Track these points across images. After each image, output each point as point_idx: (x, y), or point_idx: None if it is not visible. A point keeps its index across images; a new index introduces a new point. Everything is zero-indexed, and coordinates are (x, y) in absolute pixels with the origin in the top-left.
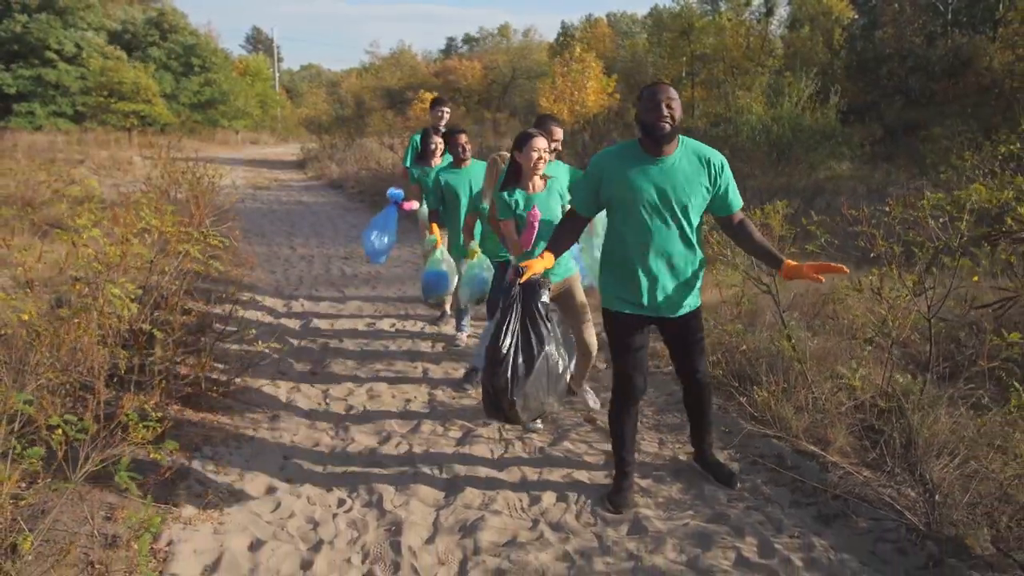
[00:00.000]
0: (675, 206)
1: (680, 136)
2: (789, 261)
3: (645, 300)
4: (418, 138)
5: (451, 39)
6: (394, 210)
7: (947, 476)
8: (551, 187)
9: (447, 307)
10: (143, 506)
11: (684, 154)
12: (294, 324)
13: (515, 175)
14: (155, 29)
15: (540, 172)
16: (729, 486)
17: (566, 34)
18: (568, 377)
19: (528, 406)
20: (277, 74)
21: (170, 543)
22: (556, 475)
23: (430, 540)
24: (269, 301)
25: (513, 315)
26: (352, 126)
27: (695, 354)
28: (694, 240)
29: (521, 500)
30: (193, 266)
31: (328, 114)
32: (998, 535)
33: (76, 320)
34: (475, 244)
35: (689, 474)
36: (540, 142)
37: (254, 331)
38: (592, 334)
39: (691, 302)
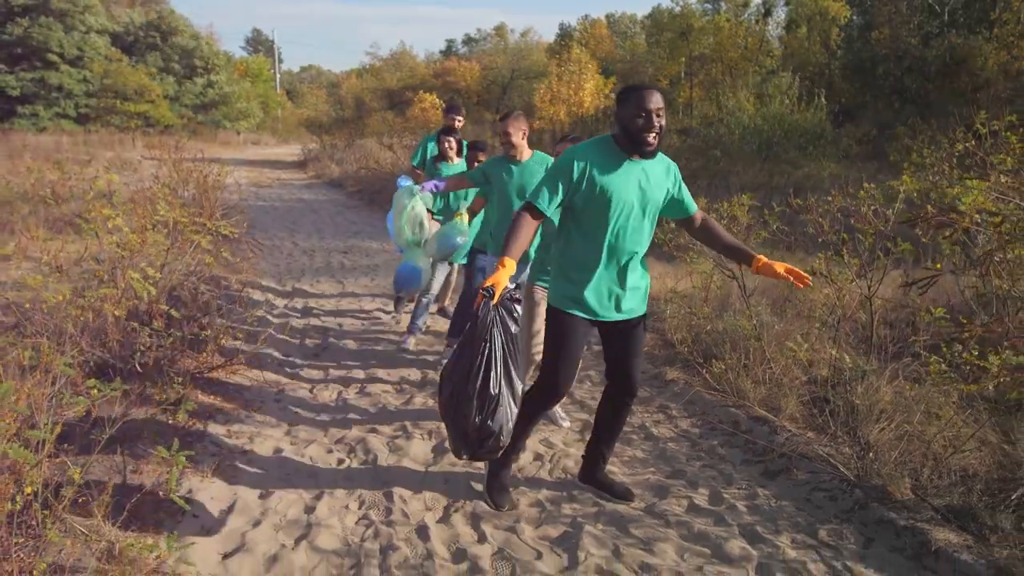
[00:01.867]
0: (648, 207)
1: None
2: (761, 257)
3: (600, 302)
4: (432, 141)
5: (451, 41)
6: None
7: (882, 437)
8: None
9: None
10: (168, 452)
11: (658, 158)
12: (297, 311)
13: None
14: (155, 32)
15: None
16: (628, 500)
17: (564, 35)
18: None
19: (501, 447)
20: (278, 75)
21: (190, 491)
22: (533, 439)
23: (418, 491)
24: (273, 290)
25: (495, 345)
26: (352, 127)
27: (632, 360)
28: (644, 247)
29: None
30: (203, 257)
31: (328, 115)
32: (918, 484)
33: (101, 299)
34: (463, 208)
35: (654, 438)
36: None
37: (262, 311)
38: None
39: (641, 307)
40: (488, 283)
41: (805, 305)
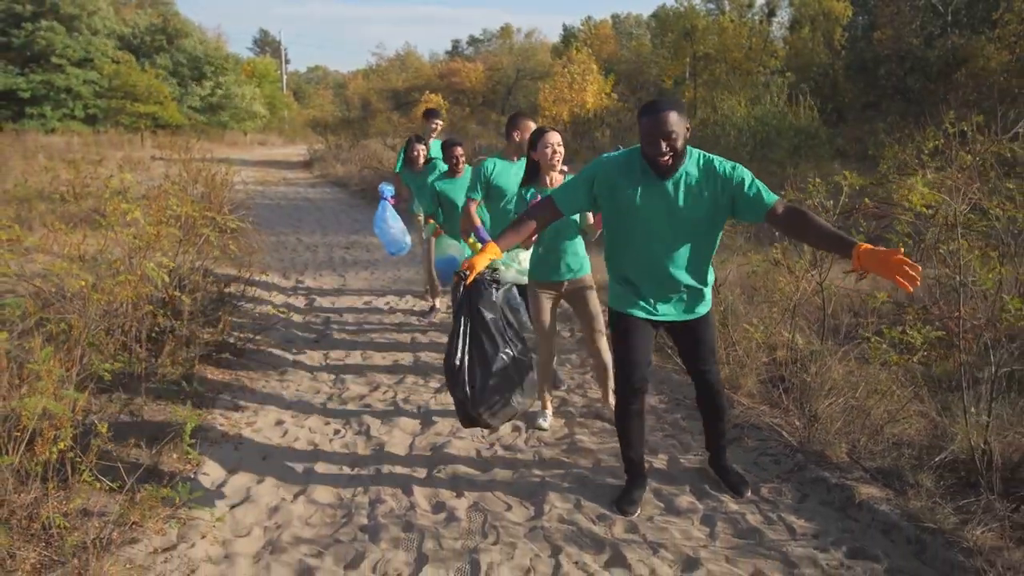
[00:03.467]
0: (680, 222)
1: (688, 148)
2: (863, 246)
3: (649, 309)
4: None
5: (456, 41)
6: (385, 204)
7: (829, 410)
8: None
9: (436, 302)
10: (184, 411)
11: (690, 167)
12: (299, 301)
13: (534, 173)
14: (161, 35)
15: (557, 166)
16: (738, 494)
17: (568, 35)
18: (535, 371)
19: (496, 412)
20: (284, 76)
21: (200, 456)
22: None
23: (406, 456)
24: (277, 282)
25: (463, 323)
26: (356, 127)
27: (702, 356)
28: (701, 253)
29: (483, 432)
30: (212, 250)
31: (334, 116)
32: (854, 449)
33: (119, 286)
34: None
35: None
36: (553, 136)
37: (267, 301)
38: (604, 345)
39: (698, 309)
40: (465, 266)
41: (772, 293)
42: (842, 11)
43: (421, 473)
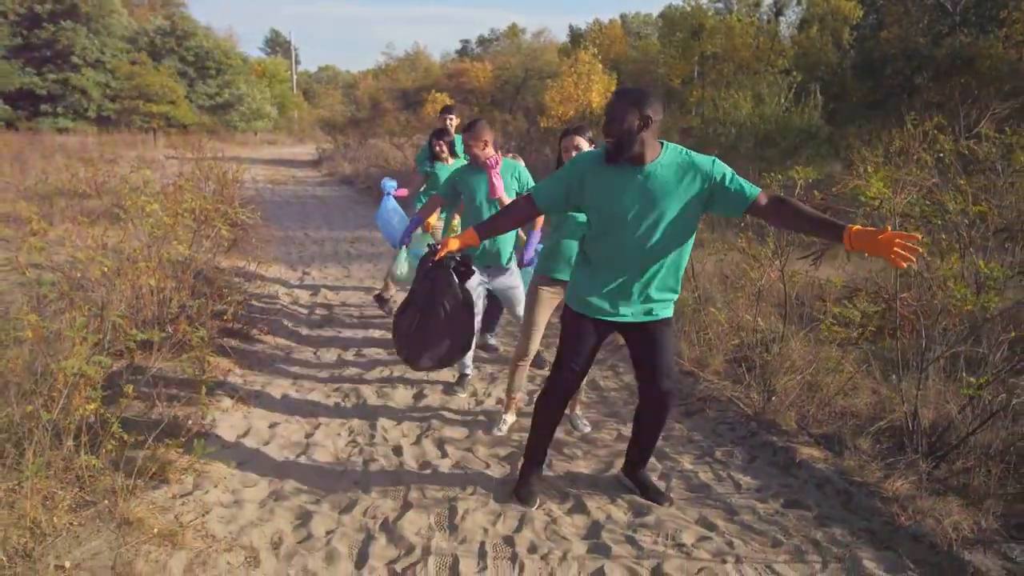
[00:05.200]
0: (653, 215)
1: (664, 143)
2: (854, 227)
3: (610, 307)
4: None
5: (465, 41)
6: (388, 198)
7: (787, 385)
8: None
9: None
10: (198, 380)
11: (665, 160)
12: (306, 290)
13: None
14: (170, 36)
15: None
16: (658, 503)
17: (575, 36)
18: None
19: (422, 366)
20: (295, 76)
21: (213, 420)
22: (498, 390)
23: (398, 423)
24: (285, 273)
25: (420, 290)
26: (364, 127)
27: (660, 366)
28: (671, 251)
29: (470, 404)
30: (224, 241)
31: (343, 115)
32: (803, 418)
33: (139, 272)
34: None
35: (600, 388)
36: (580, 141)
37: (275, 290)
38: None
39: (660, 312)
40: (440, 243)
41: (739, 279)
42: (851, 10)
43: (411, 437)
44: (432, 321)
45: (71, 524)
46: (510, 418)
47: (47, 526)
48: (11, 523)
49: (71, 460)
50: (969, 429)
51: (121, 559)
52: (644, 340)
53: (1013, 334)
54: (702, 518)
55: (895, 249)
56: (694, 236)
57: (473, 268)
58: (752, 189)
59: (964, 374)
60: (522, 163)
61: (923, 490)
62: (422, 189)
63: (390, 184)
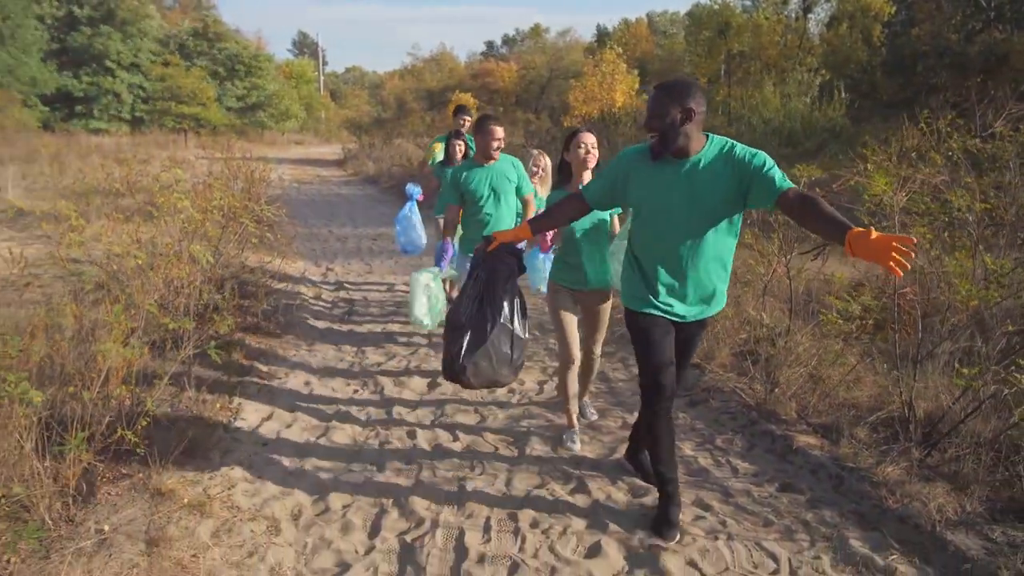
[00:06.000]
0: (698, 208)
1: (709, 135)
2: (856, 228)
3: (663, 307)
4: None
5: (490, 42)
6: (413, 204)
7: (791, 377)
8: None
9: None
10: (226, 367)
11: (708, 153)
12: (329, 285)
13: (566, 175)
14: (202, 39)
15: (590, 167)
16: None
17: (602, 35)
18: (523, 354)
19: (480, 374)
20: (322, 77)
21: (239, 404)
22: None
23: (413, 410)
24: (309, 268)
25: (474, 286)
26: (389, 127)
27: (685, 361)
28: (718, 246)
29: (481, 393)
30: (251, 237)
31: (369, 115)
32: (803, 409)
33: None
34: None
35: (609, 380)
36: (587, 137)
37: (300, 284)
38: (599, 349)
39: (707, 310)
40: (495, 234)
41: (746, 275)
42: (883, 7)
43: (425, 422)
44: (489, 313)
45: (109, 494)
46: (577, 433)
47: (88, 494)
48: (55, 492)
49: (109, 436)
50: (960, 418)
51: (154, 525)
52: (680, 344)
53: (1011, 327)
54: (698, 499)
55: (892, 255)
56: (739, 229)
57: (523, 264)
58: (783, 181)
59: (958, 365)
60: (547, 160)
61: (913, 476)
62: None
63: (415, 190)
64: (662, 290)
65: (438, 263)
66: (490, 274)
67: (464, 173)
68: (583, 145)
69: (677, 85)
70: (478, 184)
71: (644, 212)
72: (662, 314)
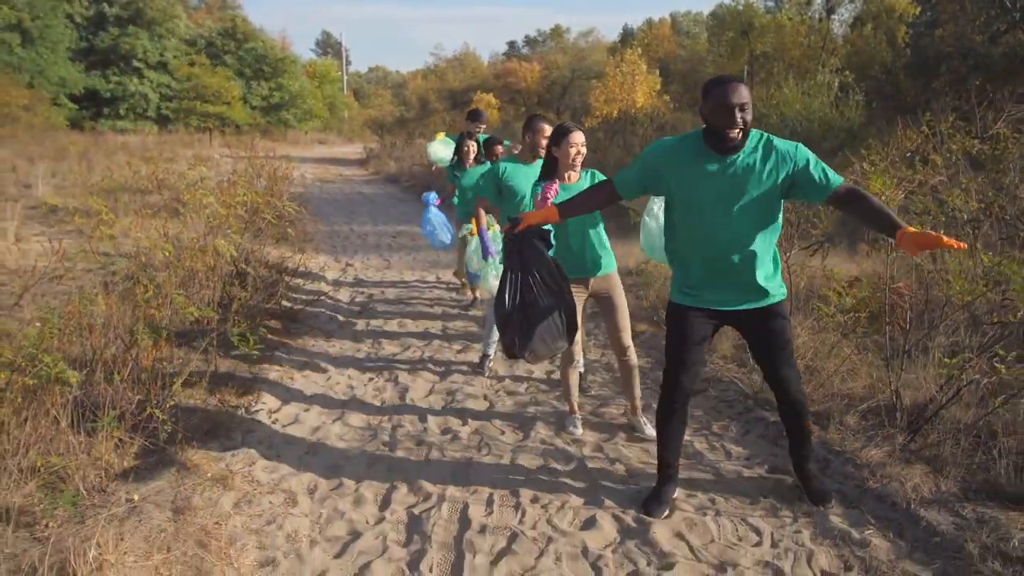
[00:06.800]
0: (740, 203)
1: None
2: (908, 228)
3: (709, 299)
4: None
5: (512, 42)
6: (431, 210)
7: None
8: (583, 179)
9: (477, 293)
10: (248, 353)
11: (752, 149)
12: (348, 279)
13: (551, 169)
14: (230, 39)
15: (577, 166)
16: (816, 503)
17: (626, 36)
18: (574, 316)
19: (539, 354)
20: (345, 77)
21: (259, 390)
22: (519, 369)
23: (425, 396)
24: (330, 263)
25: (512, 274)
26: (412, 127)
27: (778, 359)
28: (763, 236)
29: (491, 382)
30: (273, 232)
31: (392, 115)
32: None
33: (196, 259)
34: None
35: (614, 371)
36: (578, 136)
37: (320, 279)
38: (630, 341)
39: (763, 298)
40: (521, 215)
41: None
42: (907, 7)
43: (436, 408)
44: (534, 292)
45: (138, 467)
46: (579, 419)
47: (119, 467)
48: (89, 464)
49: (139, 415)
50: (941, 404)
51: (180, 495)
52: (759, 339)
53: (996, 320)
54: (690, 479)
55: (944, 240)
56: (780, 221)
57: (552, 242)
58: (836, 178)
59: (940, 355)
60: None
61: (895, 459)
62: (455, 195)
63: (432, 197)
64: (705, 283)
65: (485, 257)
66: (524, 262)
67: (506, 168)
68: (574, 145)
69: (743, 81)
70: (519, 182)
71: (685, 205)
72: (705, 306)
